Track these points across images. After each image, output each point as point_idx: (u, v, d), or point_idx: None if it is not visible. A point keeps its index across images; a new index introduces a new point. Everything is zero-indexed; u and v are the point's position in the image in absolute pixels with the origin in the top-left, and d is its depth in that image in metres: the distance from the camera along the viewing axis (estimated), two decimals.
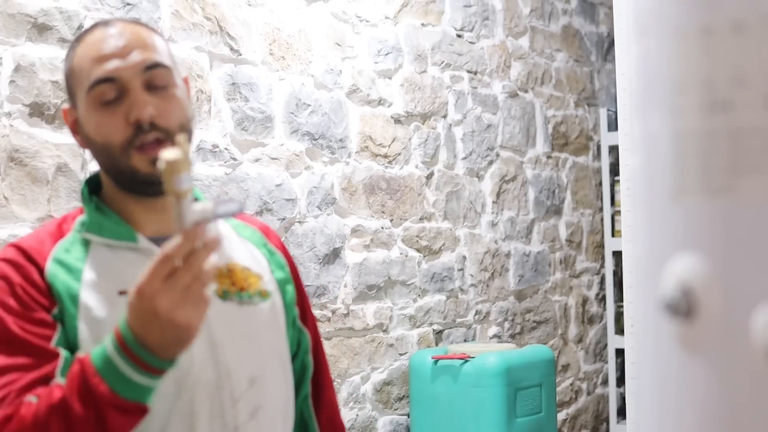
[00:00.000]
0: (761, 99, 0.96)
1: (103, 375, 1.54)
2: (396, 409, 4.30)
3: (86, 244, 1.80)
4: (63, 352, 1.68)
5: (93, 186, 1.90)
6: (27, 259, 1.75)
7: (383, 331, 4.22)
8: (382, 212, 4.21)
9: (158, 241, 1.80)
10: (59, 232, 1.82)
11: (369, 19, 4.17)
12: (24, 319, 1.69)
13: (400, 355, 4.30)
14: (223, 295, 1.82)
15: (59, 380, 1.64)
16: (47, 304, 1.72)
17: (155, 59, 1.78)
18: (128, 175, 1.77)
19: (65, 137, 3.00)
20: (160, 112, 1.75)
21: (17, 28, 2.91)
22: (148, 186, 1.77)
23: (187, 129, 1.80)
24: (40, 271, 1.74)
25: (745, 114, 0.97)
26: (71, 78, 1.83)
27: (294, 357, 2.01)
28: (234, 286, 1.85)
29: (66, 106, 1.87)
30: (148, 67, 1.77)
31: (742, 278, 0.97)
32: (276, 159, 3.74)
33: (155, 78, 1.78)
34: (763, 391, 0.96)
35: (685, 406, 1.03)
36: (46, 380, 1.64)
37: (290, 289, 1.98)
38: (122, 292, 1.71)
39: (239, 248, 1.93)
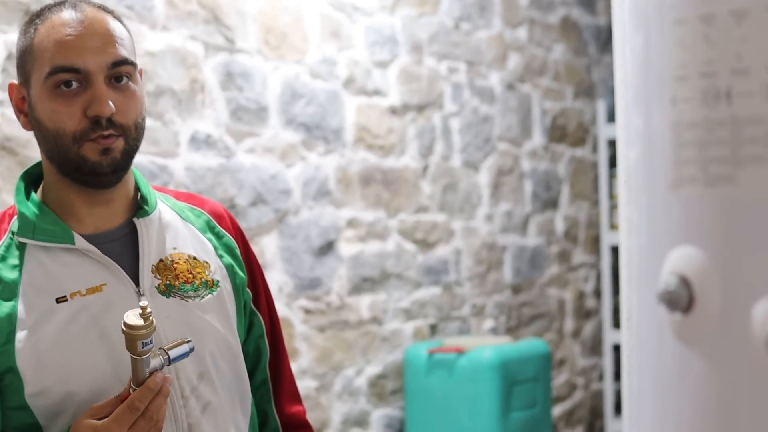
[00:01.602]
0: (762, 88, 0.95)
1: None
2: (390, 403, 4.29)
3: (22, 247, 1.76)
4: None
5: (31, 179, 1.85)
6: None
7: (378, 324, 4.21)
8: (378, 204, 4.19)
9: (96, 238, 1.78)
10: None
11: (365, 9, 4.15)
12: None
13: (395, 348, 4.29)
14: (167, 291, 1.80)
15: None
16: None
17: (122, 55, 1.75)
18: (75, 164, 1.73)
19: None
20: (120, 108, 1.72)
21: (9, 15, 2.89)
22: (94, 176, 1.74)
23: (140, 127, 1.78)
24: None
25: (745, 104, 0.96)
26: (28, 55, 1.76)
27: (245, 342, 1.97)
28: (178, 279, 1.82)
29: (14, 81, 1.82)
30: (115, 63, 1.73)
31: (742, 270, 0.96)
32: (271, 150, 3.72)
33: (119, 73, 1.74)
34: (761, 384, 0.95)
35: (683, 401, 1.02)
36: None
37: (240, 273, 1.93)
38: (60, 300, 1.72)
39: (184, 235, 1.89)
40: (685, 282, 0.99)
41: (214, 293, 1.86)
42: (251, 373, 1.98)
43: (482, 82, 4.79)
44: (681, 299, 0.99)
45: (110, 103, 1.70)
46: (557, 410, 5.19)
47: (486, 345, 4.16)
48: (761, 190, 0.95)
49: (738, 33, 0.96)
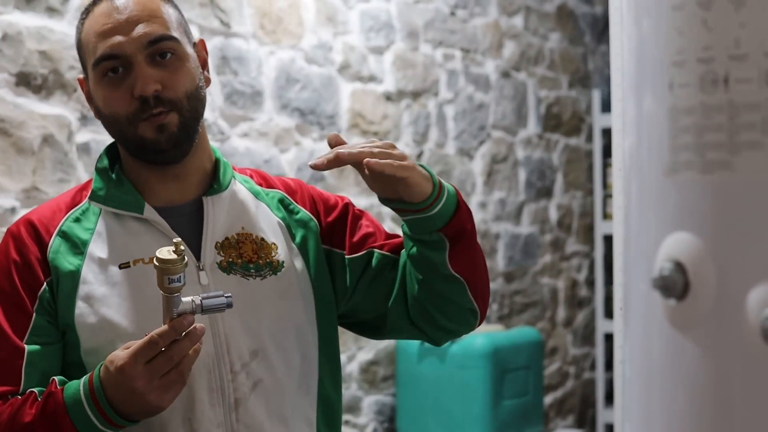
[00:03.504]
0: (759, 74, 0.95)
1: (72, 417, 1.67)
2: (382, 389, 4.29)
3: (97, 212, 1.84)
4: (28, 348, 1.76)
5: (113, 153, 1.92)
6: (32, 234, 1.81)
7: None
8: (371, 190, 4.18)
9: (167, 211, 1.84)
10: (73, 201, 1.86)
11: None
12: (8, 304, 1.78)
13: None
14: (228, 268, 1.83)
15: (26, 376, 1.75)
16: (35, 286, 1.78)
17: (159, 32, 1.79)
18: (136, 144, 1.79)
19: (52, 108, 2.97)
20: (166, 84, 1.77)
21: None
22: (157, 154, 1.80)
23: (195, 97, 1.82)
24: (45, 247, 1.80)
25: (743, 89, 0.96)
26: (81, 50, 1.85)
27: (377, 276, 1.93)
28: (241, 258, 1.85)
29: (81, 76, 1.89)
30: (151, 42, 1.78)
31: (737, 257, 0.96)
32: (265, 134, 3.71)
33: (160, 50, 1.78)
34: (756, 371, 0.94)
35: (677, 388, 1.02)
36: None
37: (314, 245, 1.92)
38: (123, 266, 1.79)
39: (255, 216, 1.91)
40: (680, 268, 0.99)
41: (278, 274, 1.87)
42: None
43: (477, 69, 4.78)
44: (676, 285, 0.99)
45: (153, 82, 1.75)
46: (548, 399, 5.19)
47: (478, 333, 4.16)
48: (757, 176, 0.94)
49: (736, 18, 0.96)
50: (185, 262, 1.62)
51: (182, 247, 1.61)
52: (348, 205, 1.99)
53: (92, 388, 1.66)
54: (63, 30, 3.02)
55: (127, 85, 1.76)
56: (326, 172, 3.96)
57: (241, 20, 3.63)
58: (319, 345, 1.91)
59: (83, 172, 3.05)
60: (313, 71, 3.92)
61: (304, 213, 1.95)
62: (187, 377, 1.66)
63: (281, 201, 1.96)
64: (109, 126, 1.82)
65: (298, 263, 1.90)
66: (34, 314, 1.77)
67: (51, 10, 2.98)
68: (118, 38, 1.77)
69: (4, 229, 2.82)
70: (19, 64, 2.90)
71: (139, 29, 1.77)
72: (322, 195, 2.00)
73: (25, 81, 2.91)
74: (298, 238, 1.92)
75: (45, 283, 1.78)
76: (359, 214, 2.00)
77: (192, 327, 1.63)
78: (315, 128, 3.92)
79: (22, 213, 2.86)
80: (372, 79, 4.19)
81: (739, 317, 0.94)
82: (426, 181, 1.75)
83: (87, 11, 1.84)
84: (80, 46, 1.84)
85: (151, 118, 1.76)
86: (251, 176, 1.99)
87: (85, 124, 3.07)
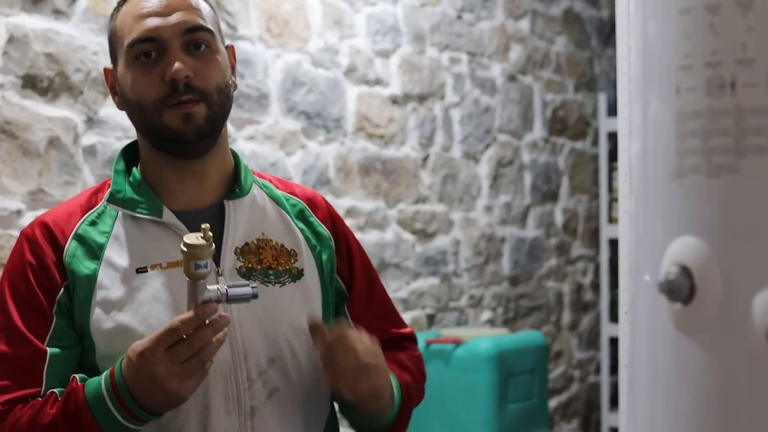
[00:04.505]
0: (766, 78, 0.95)
1: (94, 412, 1.65)
2: None
3: (113, 215, 1.82)
4: (50, 351, 1.74)
5: (130, 154, 1.91)
6: (48, 237, 1.79)
7: None
8: (377, 194, 4.19)
9: (186, 215, 1.82)
10: (88, 204, 1.85)
11: None
12: (25, 307, 1.76)
13: None
14: (247, 273, 1.82)
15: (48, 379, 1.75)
16: (53, 290, 1.77)
17: (197, 22, 1.80)
18: (159, 133, 1.78)
19: (58, 110, 2.98)
20: (198, 73, 1.77)
21: None
22: (179, 144, 1.79)
23: (224, 93, 1.82)
24: (61, 250, 1.78)
25: (749, 94, 0.96)
26: (113, 36, 1.85)
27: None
28: (261, 264, 1.84)
29: (109, 66, 1.89)
30: (189, 30, 1.79)
31: (743, 261, 0.96)
32: (271, 137, 3.72)
33: (195, 40, 1.80)
34: (761, 375, 0.94)
35: (682, 392, 1.02)
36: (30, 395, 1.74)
37: (329, 262, 1.94)
38: (140, 270, 1.78)
39: (275, 222, 1.91)
40: (686, 272, 0.99)
41: (297, 282, 1.87)
42: None
43: (484, 73, 4.78)
44: (682, 289, 0.99)
45: (185, 68, 1.75)
46: (553, 402, 5.19)
47: (483, 336, 4.15)
48: (764, 180, 0.94)
49: (743, 23, 0.96)
50: (213, 248, 1.60)
51: (210, 233, 1.60)
52: (361, 256, 2.04)
53: (114, 382, 1.64)
54: (69, 32, 3.02)
55: (159, 70, 1.76)
56: (332, 176, 3.96)
57: (248, 23, 3.63)
58: None
59: (89, 175, 3.05)
60: (319, 74, 3.92)
61: (323, 229, 1.97)
62: (209, 368, 1.64)
63: (302, 212, 1.96)
64: (134, 113, 1.81)
65: (315, 273, 1.91)
66: (54, 317, 1.76)
67: (57, 13, 2.98)
68: (156, 21, 1.77)
69: (10, 232, 2.83)
70: (26, 67, 2.90)
71: (178, 16, 1.78)
72: (342, 221, 2.03)
73: (31, 83, 2.92)
74: (315, 250, 1.93)
75: (63, 288, 1.76)
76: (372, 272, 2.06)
77: (216, 315, 1.61)
78: (321, 131, 3.92)
79: (28, 215, 2.86)
80: (378, 82, 4.19)
81: (744, 322, 0.94)
82: (388, 402, 1.84)
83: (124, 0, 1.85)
84: (113, 33, 1.84)
85: (178, 106, 1.75)
86: (271, 181, 1.99)
87: (92, 127, 3.07)
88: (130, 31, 1.78)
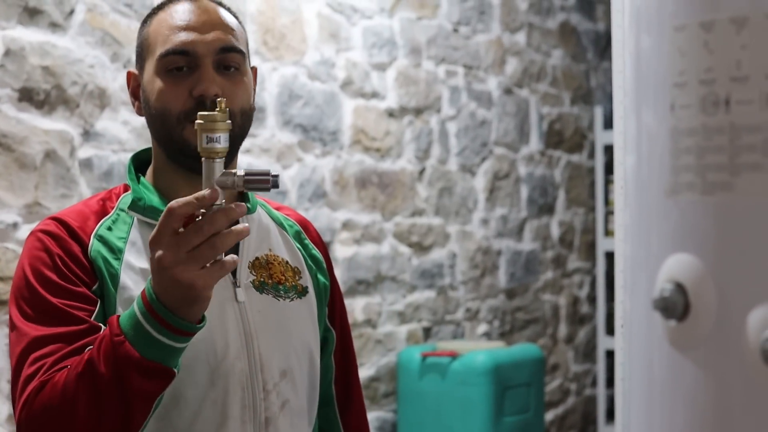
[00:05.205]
0: (760, 96, 0.95)
1: (126, 332, 1.55)
2: (383, 406, 4.28)
3: (129, 222, 1.81)
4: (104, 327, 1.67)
5: (138, 163, 1.91)
6: (68, 233, 1.76)
7: (372, 326, 4.20)
8: (373, 207, 4.19)
9: None
10: (103, 210, 1.83)
11: (364, 11, 4.15)
12: (63, 293, 1.70)
13: (388, 351, 4.28)
14: (260, 287, 1.83)
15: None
16: (88, 281, 1.73)
17: (231, 43, 1.80)
18: (179, 147, 1.77)
19: (54, 123, 2.98)
20: (226, 93, 1.76)
21: (8, 11, 2.88)
22: (196, 161, 1.71)
23: (247, 115, 1.82)
24: (84, 247, 1.75)
25: (744, 111, 0.96)
26: (144, 42, 1.84)
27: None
28: (271, 279, 1.85)
29: (133, 70, 1.89)
30: (223, 49, 1.79)
31: (738, 278, 0.96)
32: (267, 150, 3.72)
33: (228, 60, 1.80)
34: (756, 392, 0.94)
35: (677, 408, 1.02)
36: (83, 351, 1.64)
37: (323, 286, 1.97)
38: None
39: (278, 240, 1.92)
40: (680, 289, 0.99)
41: (303, 298, 1.89)
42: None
43: (480, 86, 4.79)
44: (676, 306, 0.99)
45: (216, 85, 1.74)
46: (550, 415, 5.18)
47: (479, 349, 4.15)
48: (758, 197, 0.95)
49: (737, 40, 0.97)
50: (228, 122, 1.54)
51: (224, 106, 1.55)
52: (340, 297, 2.05)
53: (143, 292, 1.56)
54: (66, 45, 3.02)
55: (188, 84, 1.75)
56: (328, 189, 3.96)
57: None
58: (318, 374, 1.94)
59: (85, 188, 3.05)
60: (315, 87, 3.92)
61: (317, 252, 1.99)
62: (229, 263, 1.52)
63: (298, 233, 1.99)
64: (155, 122, 1.79)
65: (314, 293, 1.94)
66: (98, 301, 1.71)
67: (54, 26, 2.99)
68: (193, 36, 1.77)
69: (6, 245, 2.83)
70: (22, 80, 2.90)
71: (215, 34, 1.79)
72: (328, 254, 2.05)
73: (27, 96, 2.92)
74: (312, 270, 1.96)
75: (97, 281, 1.72)
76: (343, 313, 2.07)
77: (230, 204, 1.51)
78: (317, 144, 3.92)
79: (24, 228, 2.86)
80: (374, 95, 4.19)
81: (739, 339, 0.95)
82: None
83: (160, 7, 1.85)
84: (146, 38, 1.83)
85: None
86: (264, 200, 2.00)
87: (88, 140, 3.07)
88: (164, 41, 1.78)
